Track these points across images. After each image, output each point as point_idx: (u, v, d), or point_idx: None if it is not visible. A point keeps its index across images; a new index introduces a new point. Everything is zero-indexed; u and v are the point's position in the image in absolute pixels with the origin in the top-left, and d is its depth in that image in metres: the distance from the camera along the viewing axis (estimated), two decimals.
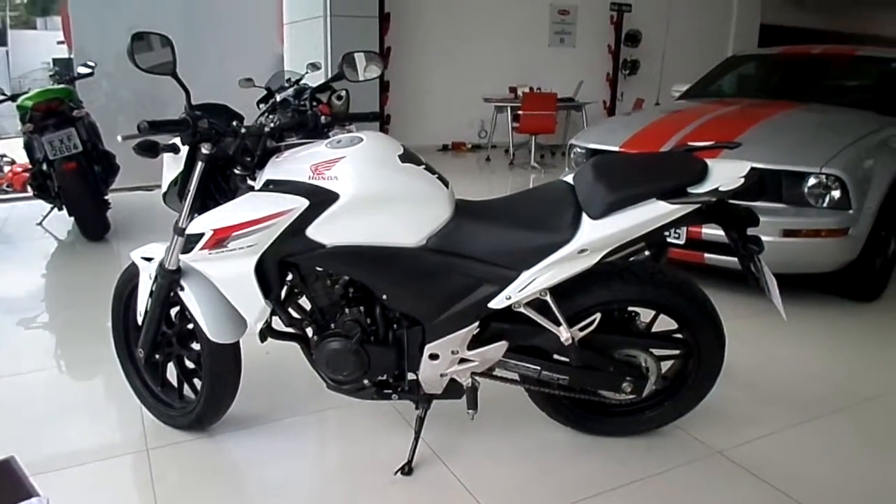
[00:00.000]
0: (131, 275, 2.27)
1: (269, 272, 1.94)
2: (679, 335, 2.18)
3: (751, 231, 1.95)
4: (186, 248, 1.93)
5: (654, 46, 10.78)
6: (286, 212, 1.80)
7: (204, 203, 1.99)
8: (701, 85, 5.31)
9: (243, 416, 2.37)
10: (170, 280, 2.07)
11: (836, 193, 3.39)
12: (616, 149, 3.95)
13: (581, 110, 9.16)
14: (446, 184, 1.96)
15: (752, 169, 1.87)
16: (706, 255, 3.56)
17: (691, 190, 1.84)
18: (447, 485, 2.08)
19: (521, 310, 1.97)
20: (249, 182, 1.97)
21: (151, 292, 2.12)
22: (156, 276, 2.09)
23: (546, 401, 2.29)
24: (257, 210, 1.82)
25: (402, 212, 1.86)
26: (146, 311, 2.14)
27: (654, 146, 3.78)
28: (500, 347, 2.04)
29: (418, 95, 9.38)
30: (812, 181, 3.42)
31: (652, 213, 1.83)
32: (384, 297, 1.97)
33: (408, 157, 1.92)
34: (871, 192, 3.45)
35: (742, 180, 1.80)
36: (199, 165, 1.91)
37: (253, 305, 1.97)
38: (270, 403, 2.50)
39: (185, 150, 1.98)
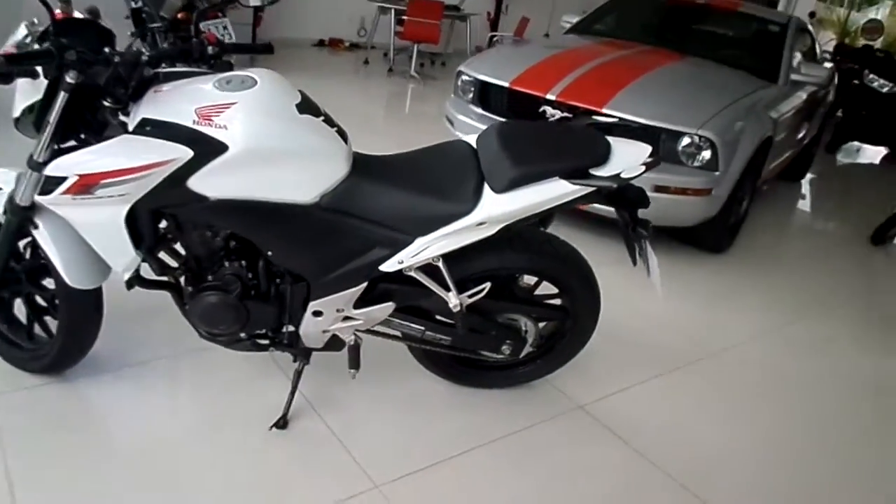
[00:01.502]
0: None
1: (140, 221, 1.74)
2: (558, 300, 2.24)
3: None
4: (45, 190, 1.67)
5: None
6: (166, 162, 1.60)
7: (65, 135, 1.73)
8: (590, 20, 5.31)
9: (104, 357, 2.19)
10: (21, 217, 1.81)
11: (707, 154, 3.56)
12: (506, 84, 3.90)
13: (466, 21, 8.93)
14: (345, 138, 1.82)
15: (653, 153, 1.89)
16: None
17: (594, 172, 1.84)
18: (322, 439, 2.06)
19: (412, 273, 1.92)
20: (122, 117, 1.72)
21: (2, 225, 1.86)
22: (4, 210, 1.83)
23: (424, 355, 2.30)
24: (132, 157, 1.60)
25: (296, 167, 1.71)
26: None
27: (545, 86, 3.77)
28: (386, 308, 2.00)
29: None
30: (686, 141, 3.56)
31: (554, 191, 1.82)
32: (269, 253, 1.84)
33: (306, 105, 1.76)
34: (736, 156, 3.66)
35: (643, 167, 1.82)
36: (62, 96, 1.62)
37: (121, 256, 1.78)
38: (136, 343, 2.32)
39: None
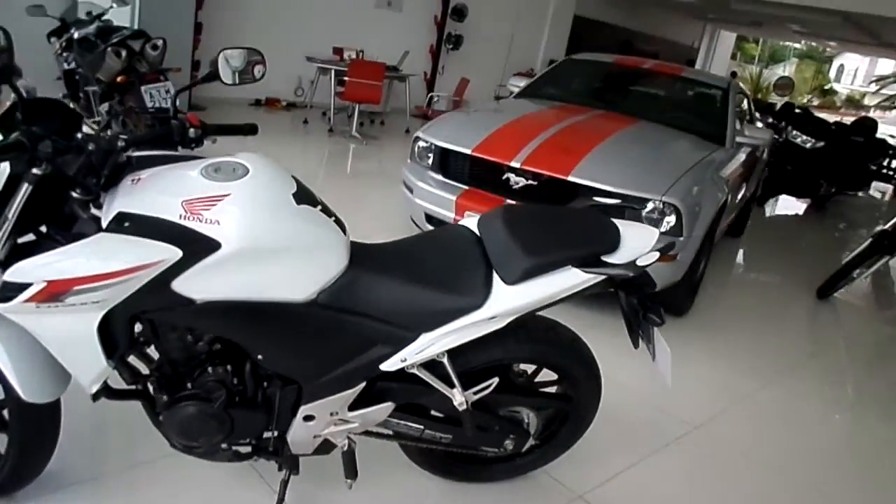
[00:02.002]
0: None
1: (115, 328, 1.53)
2: (559, 388, 2.12)
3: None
4: (2, 297, 1.45)
5: (478, 23, 10.83)
6: (151, 264, 1.41)
7: (23, 228, 1.52)
8: (539, 84, 5.36)
9: (55, 471, 1.91)
10: None
11: (672, 220, 3.57)
12: (468, 151, 3.84)
13: (405, 81, 8.96)
14: (343, 228, 1.68)
15: (661, 235, 1.83)
16: None
17: (606, 259, 1.75)
18: None
19: (414, 371, 1.77)
20: (94, 210, 1.52)
21: None
22: None
23: (418, 452, 2.13)
24: (110, 260, 1.39)
25: (293, 263, 1.55)
26: None
27: (509, 153, 3.72)
28: (385, 409, 1.83)
29: (233, 42, 8.52)
30: (650, 206, 3.57)
31: (568, 281, 1.71)
32: (259, 357, 1.66)
33: (302, 195, 1.61)
34: (699, 221, 3.69)
35: (656, 253, 1.74)
36: (25, 188, 1.42)
37: (91, 368, 1.55)
38: (92, 453, 2.06)
39: (3, 165, 1.48)
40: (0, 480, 1.75)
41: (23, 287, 1.40)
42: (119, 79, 4.73)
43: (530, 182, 3.70)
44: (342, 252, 1.63)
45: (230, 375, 1.70)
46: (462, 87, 8.68)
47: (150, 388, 1.73)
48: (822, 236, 8.29)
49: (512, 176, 3.73)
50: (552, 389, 2.14)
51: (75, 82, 5.66)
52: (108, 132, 1.56)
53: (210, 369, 1.68)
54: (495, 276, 1.72)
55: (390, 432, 1.96)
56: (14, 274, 1.41)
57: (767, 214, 8.50)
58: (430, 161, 4.09)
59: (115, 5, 5.84)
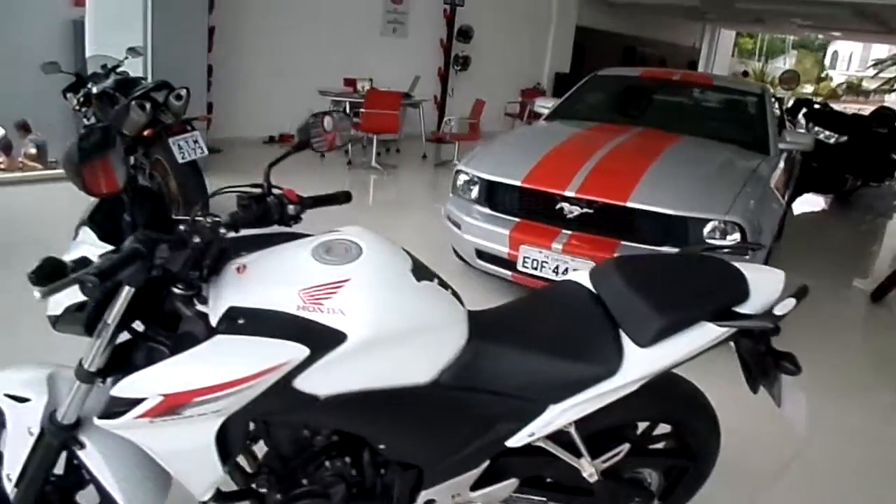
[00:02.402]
0: None
1: (231, 432, 1.40)
2: (675, 441, 1.98)
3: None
4: (111, 412, 1.33)
5: (483, 43, 10.78)
6: (277, 367, 1.28)
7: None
8: (569, 104, 5.26)
9: None
10: (64, 438, 1.46)
11: (736, 238, 3.44)
12: (518, 183, 3.72)
13: (418, 107, 8.88)
14: (460, 300, 1.55)
15: (787, 279, 1.70)
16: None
17: (739, 309, 1.62)
18: None
19: (540, 443, 1.64)
20: (199, 306, 1.40)
21: (33, 449, 1.48)
22: (41, 433, 1.46)
23: None
24: (233, 367, 1.27)
25: (418, 345, 1.43)
26: (22, 474, 1.50)
27: (561, 182, 3.61)
28: (509, 486, 1.70)
29: (244, 82, 8.51)
30: (711, 226, 3.45)
31: (703, 338, 1.59)
32: (382, 446, 1.53)
33: (419, 269, 1.49)
34: (763, 236, 3.56)
35: (794, 301, 1.61)
36: (126, 291, 1.31)
37: (206, 477, 1.43)
38: None
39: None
40: None
41: (135, 402, 1.28)
42: (146, 132, 4.63)
43: (585, 210, 3.58)
44: (463, 326, 1.51)
45: (348, 467, 1.57)
46: (478, 109, 8.57)
47: (261, 487, 1.60)
48: (854, 232, 8.14)
49: (566, 205, 3.61)
50: (668, 443, 2.00)
51: None
52: (203, 216, 1.43)
53: (327, 463, 1.56)
54: (625, 338, 1.59)
55: None
56: (125, 389, 1.29)
57: (795, 213, 8.36)
58: (475, 194, 3.97)
59: (129, 56, 5.77)
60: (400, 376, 1.43)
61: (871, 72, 30.05)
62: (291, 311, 1.32)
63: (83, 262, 1.31)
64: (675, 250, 3.45)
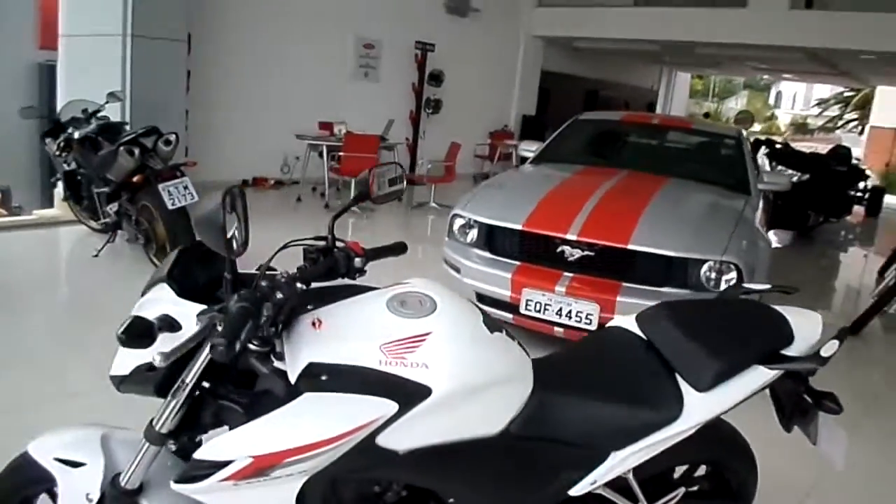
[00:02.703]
0: (25, 479, 1.54)
1: (309, 495, 1.37)
2: (717, 482, 2.01)
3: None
4: (190, 476, 1.30)
5: (454, 87, 10.97)
6: (368, 424, 1.28)
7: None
8: (553, 147, 5.37)
9: None
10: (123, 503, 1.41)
11: (732, 277, 3.54)
12: (519, 227, 3.78)
13: (393, 150, 8.95)
14: (526, 350, 1.57)
15: (826, 323, 1.76)
16: (555, 328, 3.63)
17: (786, 352, 1.68)
18: None
19: (599, 490, 1.65)
20: (275, 362, 1.38)
21: None
22: (101, 500, 1.42)
23: None
24: (325, 426, 1.26)
25: (493, 396, 1.44)
26: None
27: (562, 226, 3.67)
28: None
29: (218, 125, 8.48)
30: (707, 266, 3.54)
31: (756, 381, 1.63)
32: (451, 500, 1.52)
33: (489, 321, 1.50)
34: (756, 273, 3.67)
35: (837, 342, 1.67)
36: (206, 352, 1.30)
37: None
38: None
39: (189, 328, 1.33)
40: None
41: (221, 465, 1.25)
42: (135, 178, 4.57)
43: (587, 252, 3.64)
44: (530, 376, 1.52)
45: None
46: (454, 152, 8.69)
47: None
48: (821, 264, 8.43)
49: (567, 248, 3.67)
50: (708, 484, 2.03)
51: (77, 183, 5.48)
52: (273, 271, 1.42)
53: None
54: (682, 384, 1.62)
55: None
56: (211, 451, 1.26)
57: None
58: (472, 237, 4.01)
59: (109, 101, 5.73)
60: (474, 428, 1.43)
61: (816, 110, 31.52)
62: (374, 367, 1.32)
63: (166, 319, 1.30)
64: (677, 291, 3.56)
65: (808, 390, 1.82)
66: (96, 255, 5.15)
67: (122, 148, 4.56)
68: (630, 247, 3.52)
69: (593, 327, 3.51)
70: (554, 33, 12.31)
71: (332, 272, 1.52)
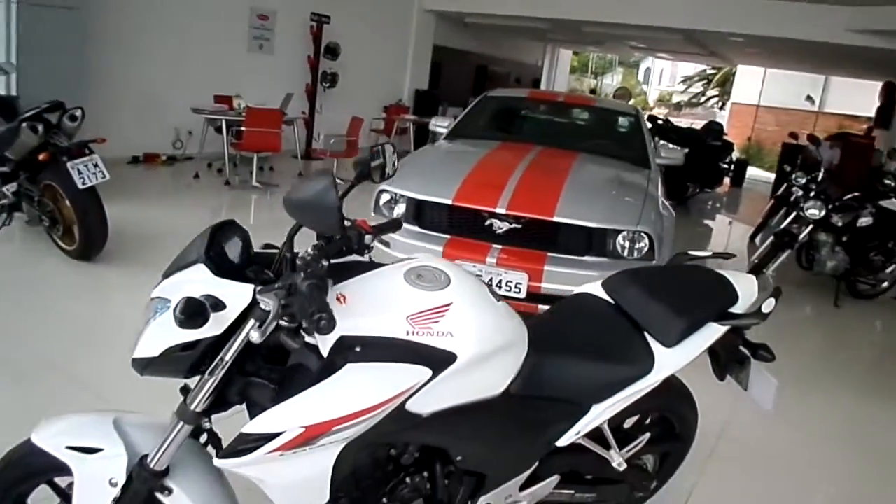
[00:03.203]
0: (30, 470, 1.54)
1: (343, 461, 1.46)
2: (666, 428, 2.27)
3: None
4: (235, 450, 1.36)
5: (350, 60, 10.87)
6: (407, 390, 1.38)
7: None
8: (466, 123, 5.52)
9: None
10: (151, 486, 1.44)
11: (644, 245, 3.86)
12: (449, 202, 3.91)
13: (292, 124, 8.80)
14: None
15: (759, 278, 2.04)
16: (539, 306, 3.78)
17: (733, 310, 1.93)
18: None
19: (580, 440, 1.84)
20: (306, 338, 1.44)
21: (116, 502, 1.45)
22: (128, 481, 1.44)
23: None
24: (371, 393, 1.35)
25: (501, 360, 1.58)
26: None
27: (491, 200, 3.84)
28: (551, 483, 1.89)
29: (105, 99, 7.98)
30: (622, 235, 3.84)
31: (711, 336, 1.87)
32: (459, 458, 1.66)
33: (493, 291, 1.64)
34: (664, 243, 4.01)
35: (774, 300, 1.93)
36: (251, 325, 1.34)
37: None
38: None
39: (233, 306, 1.37)
40: None
41: (270, 437, 1.32)
42: (41, 156, 4.29)
43: (514, 225, 3.84)
44: (525, 340, 1.68)
45: (425, 481, 1.68)
46: (356, 126, 8.65)
47: None
48: (698, 231, 9.15)
49: (496, 221, 3.85)
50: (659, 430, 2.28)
51: None
52: (295, 252, 1.48)
53: (407, 479, 1.65)
54: (651, 341, 1.84)
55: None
56: (261, 424, 1.33)
57: None
58: (401, 213, 4.11)
59: None
60: (483, 390, 1.58)
61: (681, 87, 33.64)
62: (403, 337, 1.42)
63: (212, 299, 1.33)
64: (596, 259, 3.83)
65: (744, 342, 2.10)
66: None
67: (24, 124, 4.26)
68: (555, 219, 3.75)
69: (522, 296, 3.72)
70: (445, 8, 12.42)
71: (346, 249, 1.59)
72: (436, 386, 1.44)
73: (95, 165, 4.34)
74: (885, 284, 6.17)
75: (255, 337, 1.30)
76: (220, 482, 1.54)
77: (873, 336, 5.62)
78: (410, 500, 1.65)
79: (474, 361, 1.48)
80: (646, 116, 10.18)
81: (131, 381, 2.96)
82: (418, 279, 1.52)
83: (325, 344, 1.41)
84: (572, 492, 2.01)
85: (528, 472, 1.81)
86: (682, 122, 14.09)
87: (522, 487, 1.84)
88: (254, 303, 1.33)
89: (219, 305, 1.34)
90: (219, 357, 1.36)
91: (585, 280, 3.62)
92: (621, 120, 5.64)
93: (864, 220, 5.59)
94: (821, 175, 6.08)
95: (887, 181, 6.31)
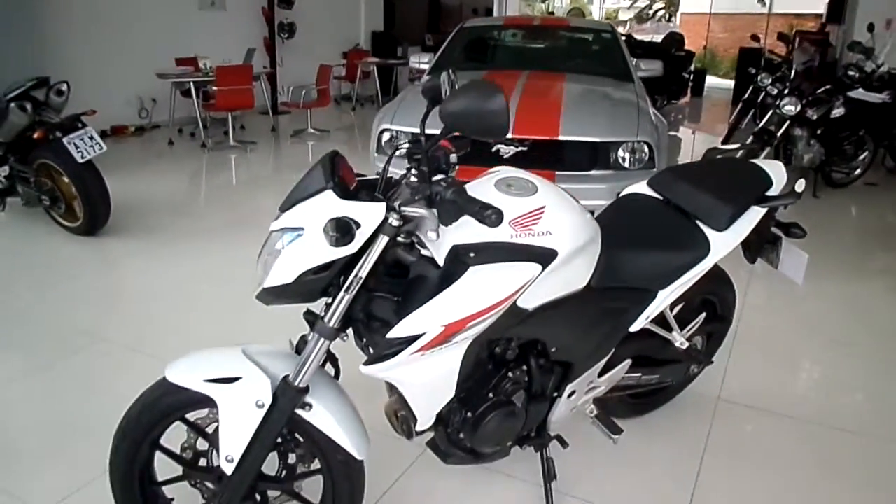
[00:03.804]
0: (165, 409, 1.65)
1: (466, 359, 1.61)
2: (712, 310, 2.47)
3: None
4: (379, 357, 1.50)
5: (305, 8, 10.65)
6: (523, 286, 1.52)
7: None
8: (447, 56, 5.54)
9: None
10: (295, 402, 1.57)
11: (645, 153, 4.02)
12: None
13: (259, 79, 8.68)
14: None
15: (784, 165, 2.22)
16: None
17: (770, 193, 2.10)
18: None
19: (647, 326, 2.02)
20: (421, 251, 1.57)
21: (262, 425, 1.57)
22: (274, 401, 1.57)
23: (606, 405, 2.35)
24: (495, 291, 1.49)
25: (586, 255, 1.72)
26: (246, 455, 1.57)
27: None
28: (624, 367, 2.08)
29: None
30: (624, 147, 4.00)
31: (755, 217, 2.05)
32: (553, 349, 1.82)
33: (573, 196, 1.77)
34: (661, 151, 4.17)
35: (803, 181, 2.11)
36: (381, 241, 1.45)
37: (437, 402, 1.63)
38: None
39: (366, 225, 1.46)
40: None
41: (412, 339, 1.46)
42: (36, 134, 4.24)
43: (521, 148, 3.96)
44: (599, 237, 1.82)
45: (524, 374, 1.84)
46: (325, 75, 8.57)
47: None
48: (671, 144, 9.34)
49: (502, 146, 3.96)
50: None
51: None
52: (423, 170, 1.57)
53: (510, 374, 1.81)
54: (705, 228, 2.00)
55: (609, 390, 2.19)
56: (404, 328, 1.46)
57: None
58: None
59: None
60: (573, 283, 1.73)
61: (627, 3, 33.64)
62: (507, 240, 1.55)
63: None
64: (601, 172, 3.99)
65: (777, 223, 2.29)
66: None
67: (12, 104, 4.20)
68: (560, 137, 3.88)
69: None
70: None
71: (436, 169, 1.69)
72: (540, 281, 1.59)
73: (91, 138, 4.31)
74: (858, 171, 6.48)
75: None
76: (346, 398, 1.68)
77: (851, 220, 5.92)
78: (512, 393, 1.81)
79: (570, 256, 1.63)
80: None
81: (178, 339, 3.10)
82: (509, 188, 1.64)
83: (439, 254, 1.54)
84: (640, 375, 2.20)
85: (605, 359, 1.98)
86: (640, 37, 14.13)
87: (601, 374, 2.03)
88: (385, 219, 1.45)
89: (357, 224, 1.43)
90: (353, 274, 1.47)
91: (594, 194, 3.82)
92: (599, 38, 5.72)
93: (837, 112, 5.82)
94: (793, 73, 6.26)
95: (851, 73, 6.53)
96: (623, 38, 10.47)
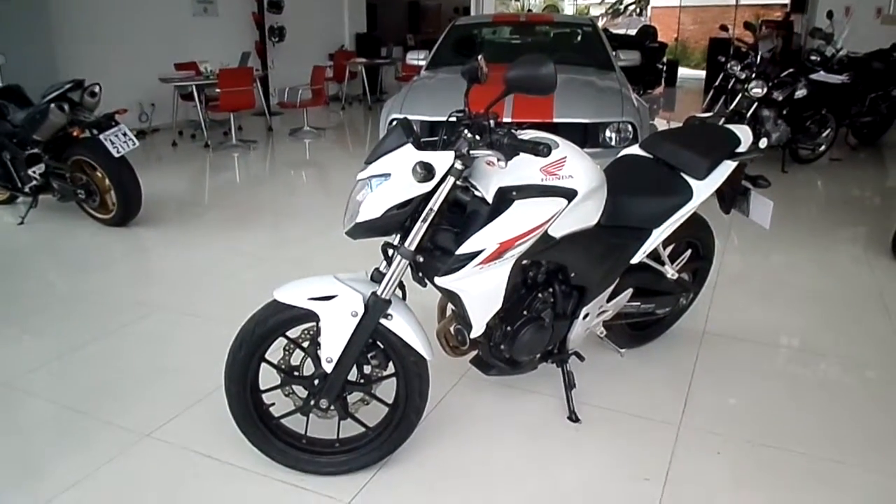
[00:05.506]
0: (282, 320, 2.07)
1: (510, 276, 2.06)
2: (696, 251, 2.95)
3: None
4: (450, 269, 1.93)
5: (294, 12, 11.03)
6: (555, 214, 1.98)
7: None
8: (441, 53, 5.99)
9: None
10: (382, 311, 2.01)
11: (630, 133, 4.50)
12: None
13: (256, 81, 9.04)
14: None
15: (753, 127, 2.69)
16: None
17: (739, 150, 2.58)
18: (607, 418, 2.53)
19: (644, 259, 2.49)
20: (475, 193, 1.99)
21: (356, 330, 2.00)
22: (365, 311, 1.99)
23: (619, 334, 2.82)
24: (535, 217, 1.94)
25: (596, 196, 2.17)
26: (342, 356, 2.01)
27: (497, 111, 4.38)
28: (627, 294, 2.54)
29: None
30: (611, 127, 4.48)
31: (727, 169, 2.53)
32: (573, 274, 2.28)
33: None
34: (644, 130, 4.66)
35: (766, 139, 2.60)
36: (450, 181, 1.89)
37: (490, 313, 2.07)
38: None
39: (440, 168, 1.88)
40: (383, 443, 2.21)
41: (473, 255, 1.91)
42: (75, 132, 4.63)
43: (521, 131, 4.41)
44: (606, 183, 2.28)
45: (551, 295, 2.30)
46: (320, 75, 8.98)
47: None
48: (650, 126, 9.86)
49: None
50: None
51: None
52: (487, 124, 2.00)
53: (539, 294, 2.27)
54: (688, 178, 2.47)
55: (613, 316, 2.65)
56: (470, 245, 1.91)
57: None
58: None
59: None
60: (587, 219, 2.18)
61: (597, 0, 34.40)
62: (539, 182, 2.00)
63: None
64: (591, 150, 4.45)
65: (746, 176, 2.77)
66: (21, 223, 5.13)
67: (52, 105, 4.57)
68: (555, 120, 4.35)
69: None
70: None
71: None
72: (567, 214, 2.04)
73: (125, 135, 4.70)
74: (823, 148, 7.04)
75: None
76: (414, 315, 2.11)
77: (817, 193, 6.46)
78: (542, 311, 2.27)
79: (586, 195, 2.09)
80: None
81: (223, 304, 3.49)
82: None
83: (489, 193, 1.98)
84: (639, 304, 2.67)
85: (612, 287, 2.44)
86: (614, 31, 14.70)
87: (609, 300, 2.49)
88: (452, 165, 1.89)
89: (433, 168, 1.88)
90: (428, 207, 1.91)
91: None
92: (581, 31, 6.21)
93: (800, 93, 6.35)
94: (759, 59, 6.79)
95: (813, 57, 7.08)
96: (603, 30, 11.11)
